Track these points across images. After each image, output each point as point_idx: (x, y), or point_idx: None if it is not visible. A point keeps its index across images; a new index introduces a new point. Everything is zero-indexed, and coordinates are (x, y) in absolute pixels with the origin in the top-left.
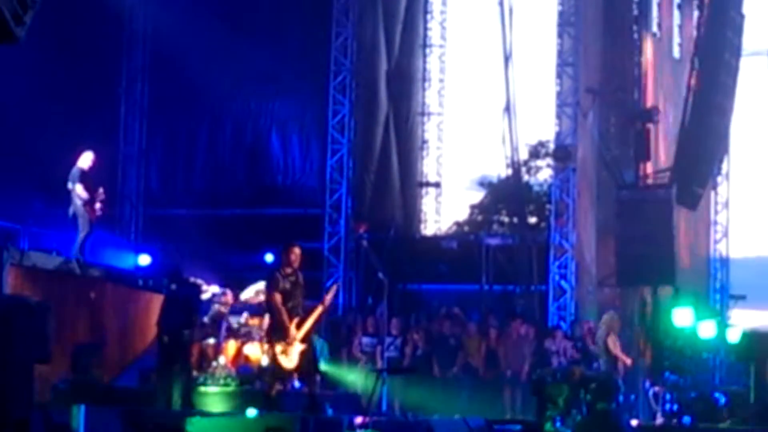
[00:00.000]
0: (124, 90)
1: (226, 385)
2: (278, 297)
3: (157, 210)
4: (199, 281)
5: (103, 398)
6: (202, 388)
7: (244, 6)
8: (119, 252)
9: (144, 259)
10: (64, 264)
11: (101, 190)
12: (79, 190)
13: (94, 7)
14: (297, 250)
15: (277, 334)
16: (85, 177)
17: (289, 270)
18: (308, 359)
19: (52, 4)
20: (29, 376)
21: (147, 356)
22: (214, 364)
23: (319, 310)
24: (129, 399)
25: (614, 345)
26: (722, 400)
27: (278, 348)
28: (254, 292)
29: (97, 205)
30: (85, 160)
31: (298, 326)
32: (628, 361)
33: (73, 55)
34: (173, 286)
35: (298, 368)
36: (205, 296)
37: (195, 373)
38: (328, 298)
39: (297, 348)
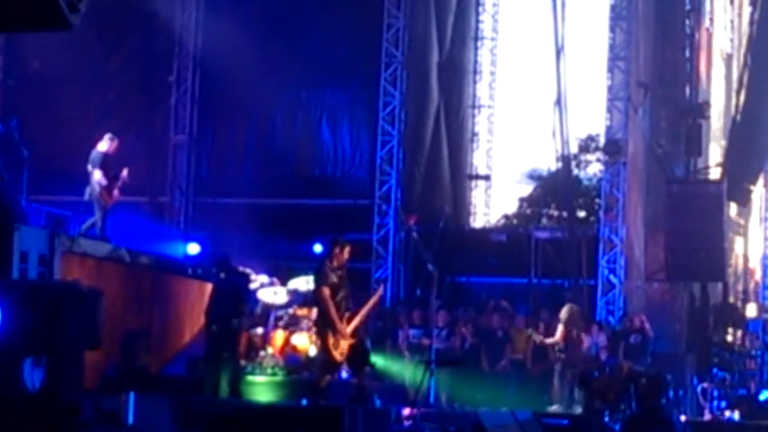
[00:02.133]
0: (175, 79)
1: (274, 374)
2: (326, 290)
3: (207, 198)
4: (248, 271)
5: (151, 386)
6: (250, 378)
7: None
8: (168, 240)
9: (193, 248)
10: (113, 251)
11: (125, 172)
12: (98, 176)
13: None
14: (349, 248)
15: (326, 327)
16: (105, 162)
17: (336, 264)
18: (359, 352)
19: None
20: (80, 361)
21: (195, 344)
22: (262, 353)
23: (368, 306)
24: (177, 387)
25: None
26: None
27: (330, 341)
28: (304, 282)
29: (116, 192)
30: (105, 143)
31: (348, 321)
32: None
33: (124, 44)
34: (222, 275)
35: (349, 360)
36: (253, 285)
37: (243, 362)
38: (374, 300)
39: (347, 341)
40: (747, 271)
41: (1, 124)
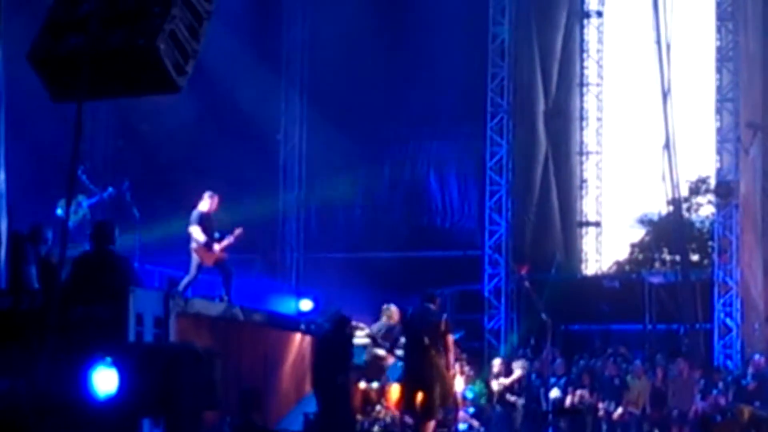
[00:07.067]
0: (283, 136)
1: (391, 429)
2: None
3: (317, 254)
4: (361, 325)
5: None
6: None
7: (400, 49)
8: (281, 297)
9: (305, 304)
10: (227, 310)
11: (238, 231)
12: (196, 233)
13: (252, 53)
14: None
15: None
16: (203, 220)
17: None
18: None
19: (210, 52)
20: (198, 422)
21: (311, 400)
22: (378, 407)
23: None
24: None
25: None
26: None
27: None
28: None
29: (216, 247)
30: (205, 203)
31: None
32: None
33: (233, 103)
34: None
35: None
36: (363, 341)
37: (359, 417)
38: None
39: None
40: None
41: (112, 187)
